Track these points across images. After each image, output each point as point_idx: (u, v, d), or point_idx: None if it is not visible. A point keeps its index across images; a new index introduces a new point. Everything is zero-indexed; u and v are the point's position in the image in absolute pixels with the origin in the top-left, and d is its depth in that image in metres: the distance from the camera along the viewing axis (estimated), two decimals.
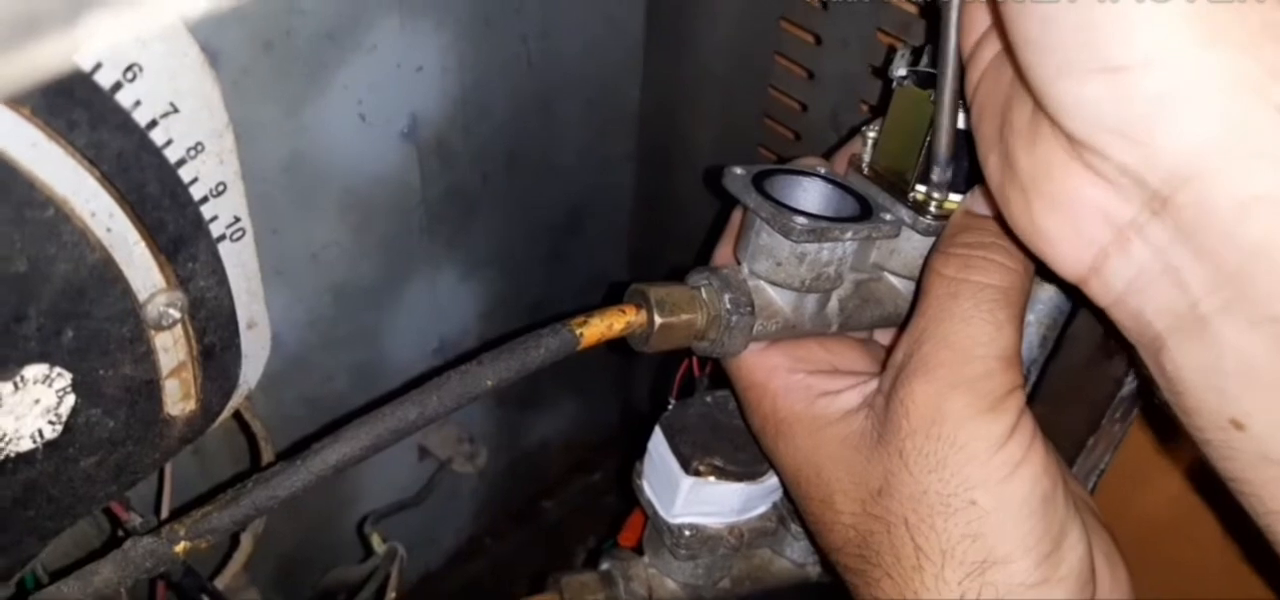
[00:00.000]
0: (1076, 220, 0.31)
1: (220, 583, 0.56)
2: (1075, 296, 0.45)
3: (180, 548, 0.35)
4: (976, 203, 0.40)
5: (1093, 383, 0.48)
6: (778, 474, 0.44)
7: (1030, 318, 0.47)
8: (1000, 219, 0.38)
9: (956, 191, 0.41)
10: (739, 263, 0.42)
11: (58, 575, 0.34)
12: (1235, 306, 0.28)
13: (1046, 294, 0.46)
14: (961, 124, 0.40)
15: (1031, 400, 0.49)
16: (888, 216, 0.41)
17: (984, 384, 0.35)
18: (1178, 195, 0.28)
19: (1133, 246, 0.30)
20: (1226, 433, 0.31)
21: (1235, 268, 0.28)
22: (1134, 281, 0.31)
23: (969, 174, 0.41)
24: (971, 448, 0.35)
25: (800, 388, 0.42)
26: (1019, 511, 0.35)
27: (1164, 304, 0.30)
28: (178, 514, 0.36)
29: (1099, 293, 0.33)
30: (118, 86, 0.31)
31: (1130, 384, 0.46)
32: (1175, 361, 0.31)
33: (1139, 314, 0.32)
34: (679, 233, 0.77)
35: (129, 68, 0.31)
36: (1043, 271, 0.37)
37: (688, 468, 0.46)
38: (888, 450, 0.37)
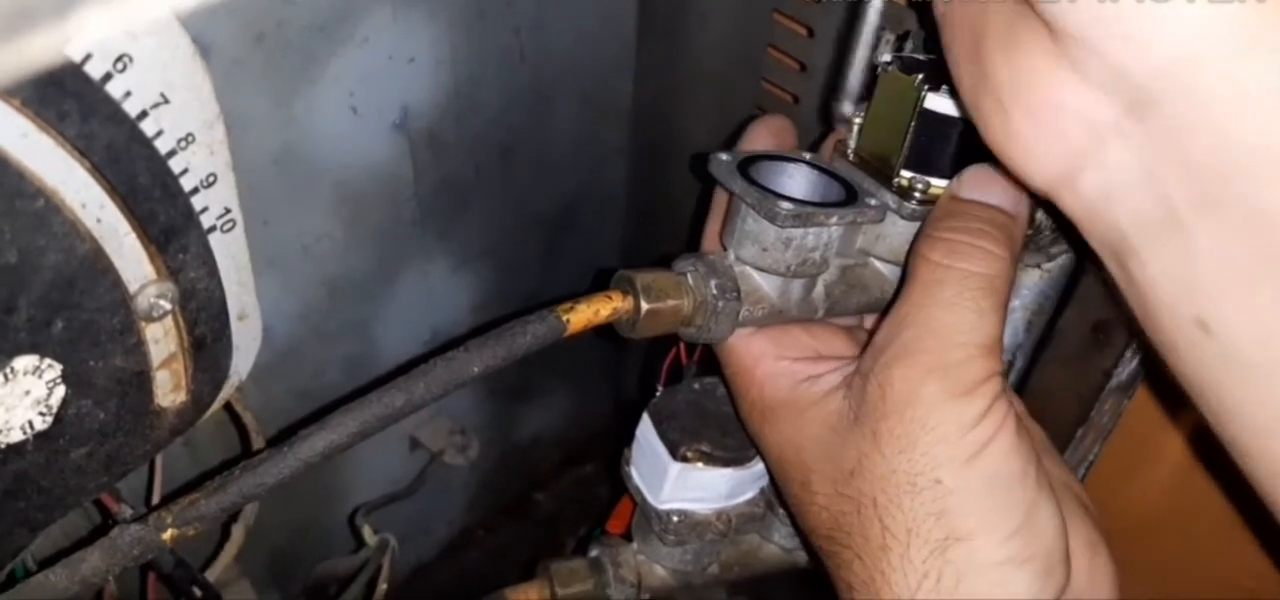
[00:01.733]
0: (1055, 127, 0.31)
1: (212, 575, 0.56)
2: (1079, 264, 0.46)
3: (168, 535, 0.35)
4: (963, 188, 0.40)
5: (1082, 374, 0.48)
6: (762, 459, 0.44)
7: (1015, 304, 0.47)
8: (986, 204, 0.39)
9: (941, 176, 0.41)
10: (725, 249, 0.42)
11: (47, 564, 0.34)
12: (1217, 207, 0.29)
13: (1032, 279, 0.46)
14: (948, 109, 0.40)
15: (1021, 388, 0.50)
16: (873, 201, 0.42)
17: (961, 370, 0.36)
18: (1166, 94, 0.28)
19: (1110, 152, 0.30)
20: (1191, 336, 0.31)
21: (1223, 167, 0.28)
22: (1109, 188, 0.31)
23: (954, 158, 0.41)
24: (941, 430, 0.35)
25: (784, 373, 0.42)
26: (982, 489, 0.35)
27: (1139, 209, 0.31)
28: (167, 504, 0.36)
29: (1070, 202, 0.33)
30: (108, 77, 0.32)
31: (1119, 375, 0.47)
32: (1145, 267, 0.31)
33: (1111, 221, 0.32)
34: (672, 225, 0.77)
35: (119, 58, 0.31)
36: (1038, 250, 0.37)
37: (675, 454, 0.47)
38: (862, 431, 0.37)
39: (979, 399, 0.35)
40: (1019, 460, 0.36)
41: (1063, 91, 0.30)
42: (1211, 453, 0.45)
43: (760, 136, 0.47)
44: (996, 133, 0.34)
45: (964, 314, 0.36)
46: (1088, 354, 0.47)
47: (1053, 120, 0.31)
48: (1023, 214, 0.40)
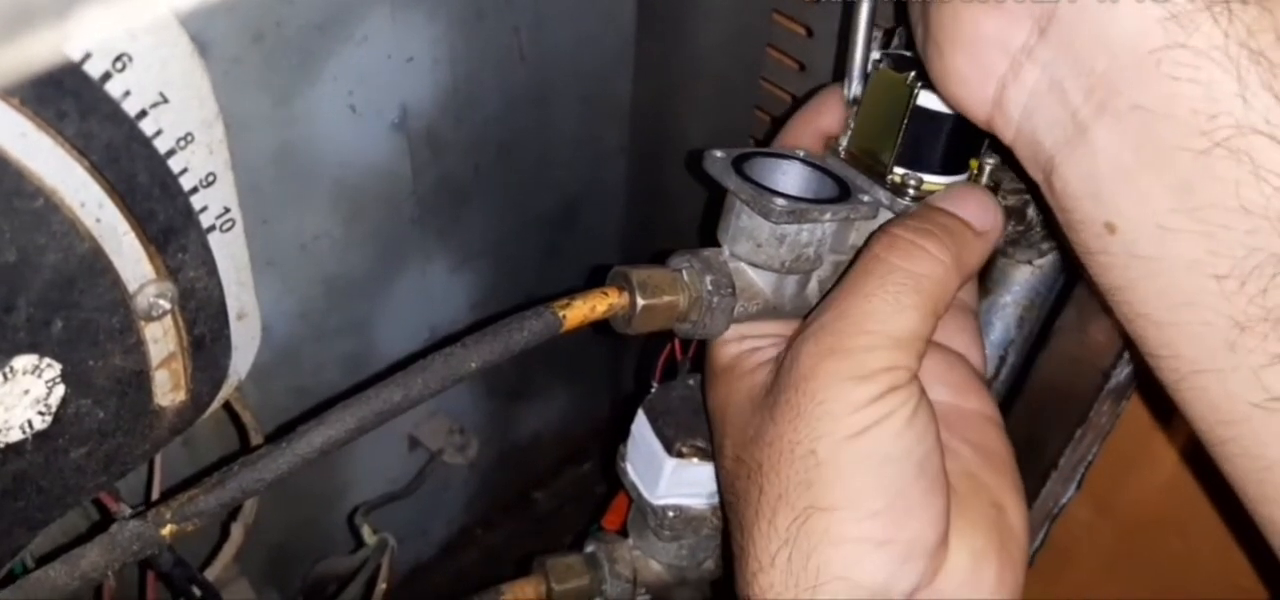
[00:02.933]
0: (977, 54, 0.35)
1: (211, 574, 0.56)
2: (1068, 269, 0.46)
3: (167, 530, 0.35)
4: (939, 197, 0.41)
5: (1079, 374, 0.48)
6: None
7: (1006, 299, 0.47)
8: (945, 211, 0.40)
9: (933, 172, 0.42)
10: (720, 245, 0.42)
11: (46, 561, 0.34)
12: (1106, 105, 0.32)
13: (1023, 275, 0.46)
14: (940, 106, 0.40)
15: (1017, 385, 0.50)
16: (866, 198, 0.42)
17: (862, 355, 0.36)
18: (1059, 8, 0.32)
19: (1025, 71, 0.34)
20: (1103, 239, 0.34)
21: (1104, 67, 0.31)
22: (1027, 105, 0.34)
23: (946, 155, 0.42)
24: (828, 405, 0.36)
25: (733, 340, 0.43)
26: (854, 467, 0.36)
27: (1051, 120, 0.34)
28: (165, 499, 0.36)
29: (1003, 127, 0.36)
30: (107, 77, 0.32)
31: (1118, 375, 0.47)
32: (1062, 177, 0.34)
33: (1033, 138, 0.35)
34: (671, 224, 0.77)
35: (118, 58, 0.31)
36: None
37: (671, 449, 0.47)
38: (767, 402, 0.39)
39: (872, 384, 0.36)
40: (901, 448, 0.36)
41: (982, 21, 0.35)
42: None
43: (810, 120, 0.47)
44: (938, 72, 0.37)
45: (879, 304, 0.37)
46: (1085, 355, 0.47)
47: (976, 48, 0.35)
48: (991, 230, 0.41)
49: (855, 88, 0.44)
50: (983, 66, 0.35)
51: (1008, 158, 0.39)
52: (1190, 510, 0.48)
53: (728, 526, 0.41)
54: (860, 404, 0.36)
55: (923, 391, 0.37)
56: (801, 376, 0.37)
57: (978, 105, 0.36)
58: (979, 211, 0.40)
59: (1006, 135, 0.36)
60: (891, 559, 0.36)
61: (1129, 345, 0.44)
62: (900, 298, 0.37)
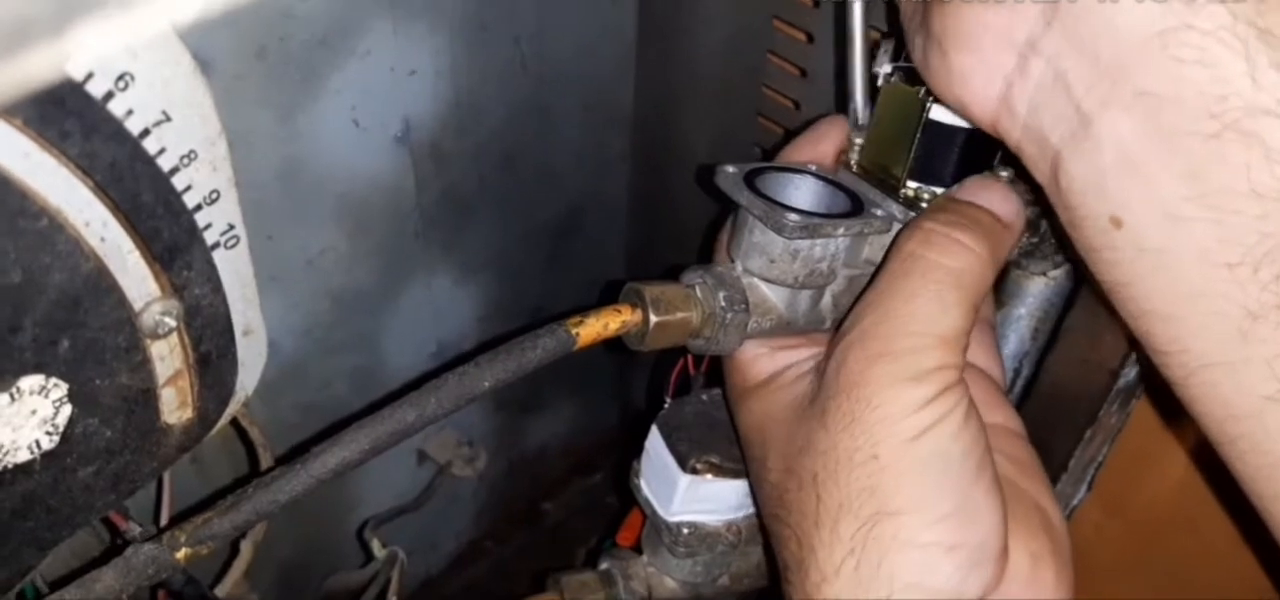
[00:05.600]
0: (983, 51, 0.35)
1: (221, 591, 0.56)
2: (1076, 274, 0.46)
3: (182, 554, 0.35)
4: (959, 190, 0.41)
5: (1089, 374, 0.48)
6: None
7: (1020, 311, 0.47)
8: (973, 204, 0.40)
9: (946, 186, 0.42)
10: (733, 260, 0.42)
11: (58, 585, 0.34)
12: (1111, 96, 0.31)
13: (1037, 287, 0.46)
14: (953, 119, 0.40)
15: (1028, 393, 0.50)
16: (879, 212, 0.41)
17: (913, 357, 0.36)
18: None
19: (1031, 65, 0.33)
20: (1109, 235, 0.33)
21: (1109, 54, 0.31)
22: (1034, 100, 0.34)
23: (958, 168, 0.41)
24: (884, 409, 0.35)
25: (766, 356, 0.43)
26: (918, 470, 0.35)
27: (1058, 114, 0.33)
28: (177, 521, 0.36)
29: (1009, 127, 0.35)
30: (110, 96, 0.31)
31: (1126, 375, 0.46)
32: (1068, 173, 0.33)
33: (1040, 135, 0.34)
34: (675, 232, 0.77)
35: (121, 77, 0.31)
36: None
37: (685, 466, 0.46)
38: (815, 411, 0.38)
39: (927, 385, 0.35)
40: (960, 449, 0.36)
41: (988, 16, 0.34)
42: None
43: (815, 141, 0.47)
44: (940, 76, 0.37)
45: (924, 304, 0.36)
46: (1094, 355, 0.47)
47: (981, 45, 0.35)
48: (1015, 221, 0.40)
49: (861, 115, 0.44)
50: (988, 64, 0.35)
51: (1017, 169, 0.38)
52: (1201, 510, 0.47)
53: (776, 542, 0.40)
54: (917, 405, 0.35)
55: (969, 391, 0.37)
56: (851, 382, 0.36)
57: (983, 105, 0.36)
58: (1002, 202, 0.40)
59: (1013, 136, 0.36)
60: (962, 564, 0.35)
61: (1135, 345, 0.44)
62: (943, 295, 0.36)
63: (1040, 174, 0.35)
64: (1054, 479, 0.50)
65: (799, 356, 0.42)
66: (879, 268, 0.39)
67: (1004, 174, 0.42)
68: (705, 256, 0.46)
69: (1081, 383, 0.48)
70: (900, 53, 0.44)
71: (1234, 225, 0.30)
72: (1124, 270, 0.33)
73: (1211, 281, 0.31)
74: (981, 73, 0.35)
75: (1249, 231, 0.30)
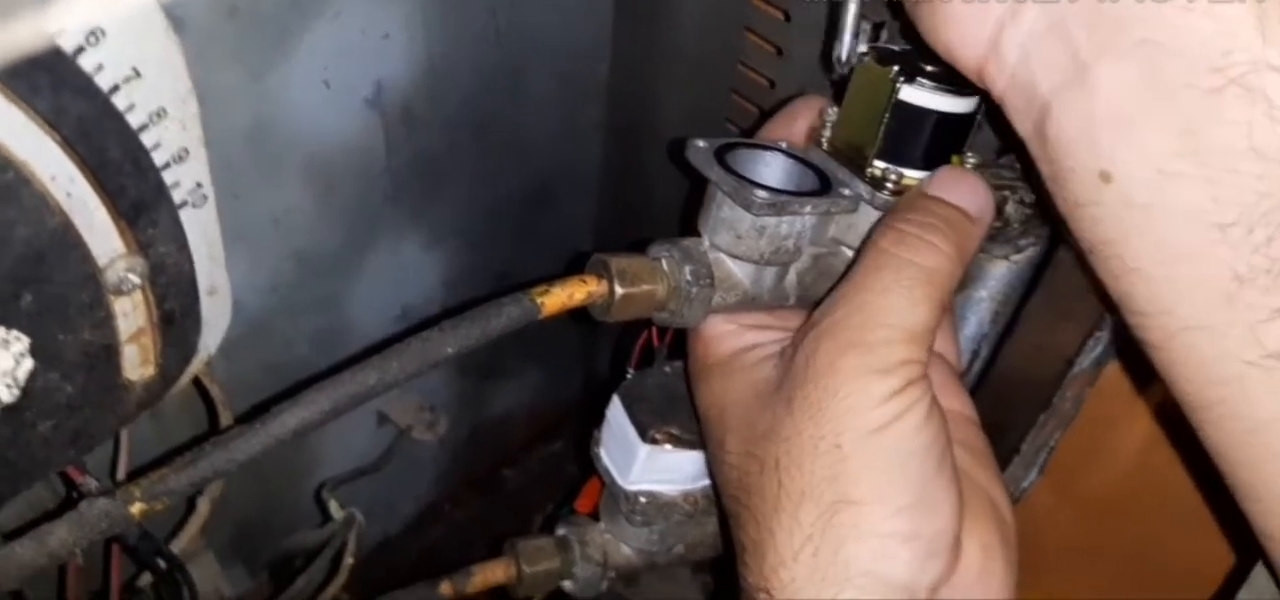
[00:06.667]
0: None
1: (176, 546, 0.56)
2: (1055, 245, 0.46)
3: (136, 509, 0.35)
4: (930, 185, 0.41)
5: (1044, 361, 0.49)
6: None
7: (982, 294, 0.48)
8: (945, 202, 0.40)
9: (914, 167, 0.42)
10: (700, 235, 0.43)
11: (11, 537, 0.34)
12: (1111, 44, 0.30)
13: (999, 270, 0.47)
14: (922, 101, 0.41)
15: (985, 375, 0.50)
16: (846, 191, 0.42)
17: (881, 350, 0.36)
18: None
19: (1025, 9, 0.33)
20: (1096, 189, 0.32)
21: (1113, 3, 0.30)
22: (1025, 46, 0.33)
23: (927, 150, 0.42)
24: (850, 400, 0.36)
25: (729, 335, 0.43)
26: (880, 460, 0.36)
27: (1049, 62, 0.32)
28: (134, 477, 0.36)
29: (996, 74, 0.35)
30: (80, 51, 0.31)
31: (1081, 363, 0.47)
32: (1057, 123, 0.33)
33: (1028, 84, 0.33)
34: (646, 206, 0.77)
35: (92, 32, 0.31)
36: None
37: (645, 435, 0.47)
38: (780, 397, 0.38)
39: (893, 378, 0.36)
40: (922, 443, 0.36)
41: None
42: (1177, 435, 0.46)
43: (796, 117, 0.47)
44: (929, 18, 0.36)
45: (895, 299, 0.37)
46: (1050, 341, 0.48)
47: None
48: (984, 216, 0.41)
49: (846, 51, 0.44)
50: (980, 7, 0.34)
51: (994, 120, 0.38)
52: (1150, 495, 0.48)
53: (733, 523, 0.40)
54: (882, 398, 0.36)
55: (932, 387, 0.37)
56: (820, 371, 0.37)
57: (972, 49, 0.35)
58: (971, 196, 0.40)
59: (999, 84, 0.35)
60: (919, 554, 0.36)
61: (1110, 307, 0.45)
62: (913, 291, 0.37)
63: (1024, 126, 0.35)
64: (1006, 462, 0.51)
65: (763, 337, 0.43)
66: (852, 263, 0.40)
67: (971, 161, 0.43)
68: (676, 232, 0.46)
69: (1037, 368, 0.49)
70: (878, 34, 0.45)
71: (1229, 185, 0.29)
72: (1109, 227, 0.33)
73: (1200, 242, 0.30)
74: (972, 15, 0.34)
75: (1246, 191, 0.29)
